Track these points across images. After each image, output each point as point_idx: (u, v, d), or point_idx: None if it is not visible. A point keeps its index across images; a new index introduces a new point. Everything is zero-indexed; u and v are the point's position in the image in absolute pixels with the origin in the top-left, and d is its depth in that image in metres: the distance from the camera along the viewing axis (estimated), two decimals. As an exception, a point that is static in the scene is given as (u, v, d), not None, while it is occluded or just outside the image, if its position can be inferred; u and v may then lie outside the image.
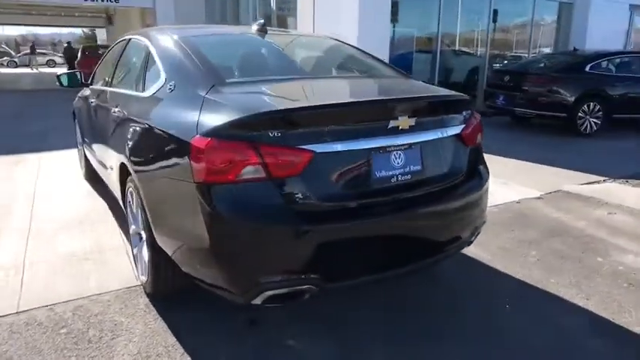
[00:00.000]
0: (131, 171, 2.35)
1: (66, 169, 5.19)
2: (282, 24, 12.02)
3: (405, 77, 2.78)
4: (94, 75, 4.13)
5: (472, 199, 2.25)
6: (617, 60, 7.93)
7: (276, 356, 2.13)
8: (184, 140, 1.89)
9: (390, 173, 2.00)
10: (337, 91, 2.47)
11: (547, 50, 11.56)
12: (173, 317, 2.39)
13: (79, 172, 4.98)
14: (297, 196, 1.82)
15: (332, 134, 1.86)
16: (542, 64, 8.37)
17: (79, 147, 4.93)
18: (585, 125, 7.43)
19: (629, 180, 4.94)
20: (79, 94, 4.72)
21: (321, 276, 1.85)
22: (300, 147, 1.80)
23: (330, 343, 2.21)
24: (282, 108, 1.83)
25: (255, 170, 1.76)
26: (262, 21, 2.90)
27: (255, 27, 2.95)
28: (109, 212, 3.87)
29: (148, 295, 2.57)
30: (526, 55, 11.00)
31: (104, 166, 3.32)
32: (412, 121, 2.00)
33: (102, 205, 4.06)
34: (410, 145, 2.05)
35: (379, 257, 2.01)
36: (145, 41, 2.85)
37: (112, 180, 3.10)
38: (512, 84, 7.82)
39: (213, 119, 1.85)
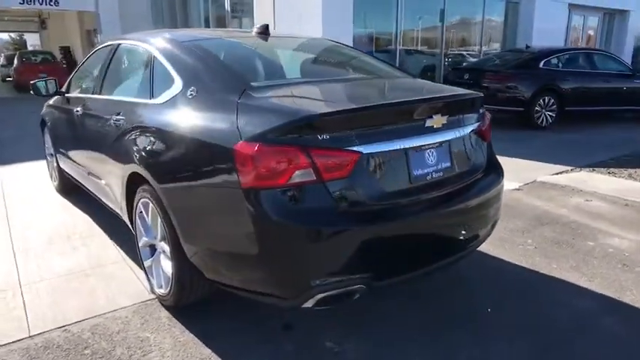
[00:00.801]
0: (151, 181, 2.26)
1: (32, 183, 4.88)
2: (237, 26, 11.88)
3: (413, 77, 2.85)
4: (69, 83, 3.92)
5: (495, 193, 2.35)
6: (567, 56, 8.46)
7: (316, 358, 2.13)
8: (226, 146, 1.84)
9: (425, 171, 2.05)
10: (368, 92, 2.49)
11: (496, 47, 12.13)
12: (199, 328, 2.32)
13: (49, 184, 4.71)
14: (346, 197, 1.82)
15: (375, 135, 1.88)
16: (499, 62, 8.78)
17: (49, 158, 4.67)
18: (542, 119, 7.88)
19: (594, 168, 5.30)
20: (49, 103, 4.46)
21: (371, 275, 1.87)
22: (348, 148, 1.81)
23: (365, 341, 2.23)
24: (331, 110, 1.83)
25: (305, 173, 1.75)
26: (266, 24, 2.87)
27: (256, 30, 2.92)
28: (95, 225, 3.69)
29: (167, 307, 2.49)
30: (478, 53, 11.49)
31: (96, 177, 3.17)
32: (444, 120, 2.07)
33: (84, 218, 3.86)
34: (440, 143, 2.12)
35: (421, 253, 2.05)
36: (145, 46, 2.74)
37: (111, 192, 2.96)
38: (471, 81, 8.14)
39: (258, 124, 1.81)
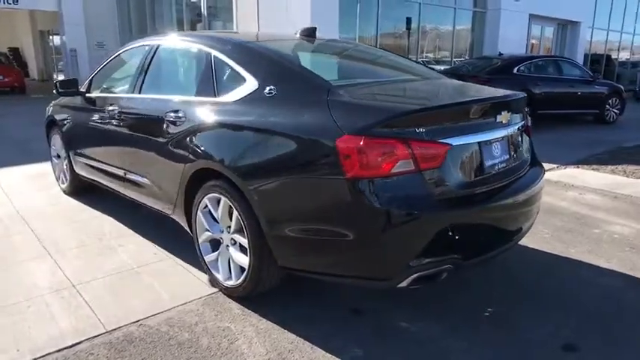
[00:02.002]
0: (230, 175, 2.32)
1: (34, 186, 4.75)
2: (214, 26, 11.83)
3: (450, 78, 3.08)
4: (90, 83, 3.88)
5: (542, 185, 2.59)
6: (537, 63, 9.07)
7: (395, 335, 2.28)
8: (326, 140, 1.97)
9: (493, 162, 2.26)
10: (441, 91, 2.67)
11: (464, 55, 12.75)
12: (275, 316, 2.42)
13: (54, 187, 4.61)
14: (439, 185, 2.00)
15: (459, 129, 2.07)
16: (474, 67, 9.26)
17: (56, 160, 4.57)
18: (516, 121, 8.39)
19: (579, 165, 5.76)
20: (59, 104, 4.37)
21: (459, 256, 2.05)
22: (441, 141, 1.99)
23: (433, 321, 2.41)
24: (427, 106, 2.01)
25: (406, 163, 1.91)
26: (313, 27, 3.01)
27: (301, 32, 3.05)
28: (122, 226, 3.66)
29: (235, 299, 2.56)
30: (449, 59, 12.04)
31: (137, 175, 3.17)
32: (509, 116, 2.29)
33: (107, 219, 3.82)
34: (502, 138, 2.33)
35: (493, 237, 2.25)
36: (201, 47, 2.82)
37: (158, 190, 2.99)
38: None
39: (358, 119, 1.96)
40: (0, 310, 2.49)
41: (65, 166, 4.39)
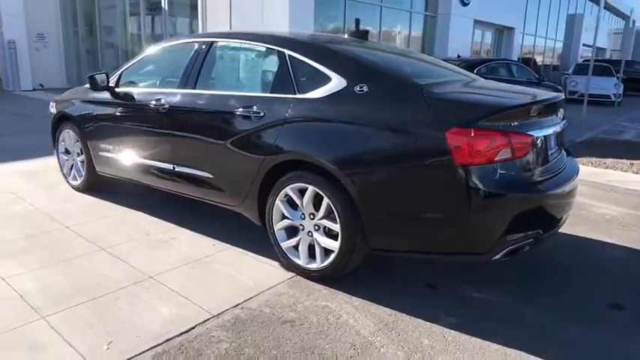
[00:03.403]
0: (326, 166, 2.51)
1: (36, 184, 4.57)
2: (177, 22, 11.58)
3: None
4: (119, 78, 3.84)
5: (578, 179, 3.00)
6: (492, 65, 9.88)
7: (473, 304, 2.60)
8: (434, 132, 2.25)
9: (551, 152, 2.65)
10: (508, 90, 3.01)
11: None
12: (362, 294, 2.63)
13: (60, 184, 4.47)
14: (526, 171, 2.35)
15: (535, 123, 2.43)
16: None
17: (65, 157, 4.45)
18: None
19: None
20: (65, 99, 4.26)
21: (539, 231, 2.41)
22: (528, 133, 2.34)
23: (496, 292, 2.76)
24: (521, 102, 2.35)
25: (505, 152, 2.24)
26: (367, 30, 3.26)
27: (352, 34, 3.29)
28: (161, 220, 3.67)
29: (317, 280, 2.75)
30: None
31: (194, 169, 3.24)
32: (561, 113, 2.70)
33: (140, 214, 3.80)
34: (554, 132, 2.72)
35: (554, 217, 2.63)
36: (271, 46, 2.98)
37: (222, 183, 3.10)
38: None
39: (463, 113, 2.25)
40: (92, 303, 2.51)
41: (79, 163, 4.29)
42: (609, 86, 14.06)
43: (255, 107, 2.87)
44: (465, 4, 13.32)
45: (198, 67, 3.29)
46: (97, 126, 3.97)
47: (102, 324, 2.32)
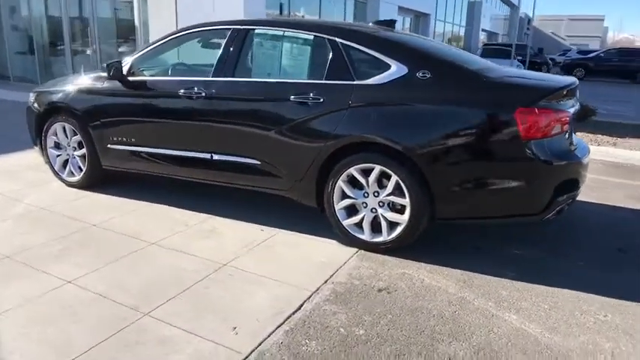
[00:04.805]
0: (398, 146, 2.74)
1: (29, 180, 4.23)
2: (122, 19, 10.69)
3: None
4: (131, 67, 3.69)
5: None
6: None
7: (515, 260, 3.01)
8: (502, 112, 2.59)
9: (573, 130, 3.13)
10: (535, 75, 3.42)
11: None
12: (427, 259, 2.92)
13: (52, 181, 4.21)
14: (568, 142, 2.80)
15: (568, 103, 2.87)
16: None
17: (57, 152, 4.17)
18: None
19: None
20: (74, 89, 3.95)
21: (574, 193, 2.88)
22: (568, 110, 2.78)
23: (531, 248, 3.21)
24: (562, 85, 2.76)
25: (557, 127, 2.66)
26: (395, 19, 3.50)
27: (380, 24, 3.52)
28: (191, 212, 3.62)
29: (382, 252, 3.00)
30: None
31: (242, 156, 3.28)
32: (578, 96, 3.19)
33: (165, 207, 3.72)
34: (575, 111, 3.18)
35: (582, 180, 3.08)
36: (320, 35, 3.11)
37: (276, 168, 3.20)
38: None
39: (525, 95, 2.63)
40: (184, 295, 2.52)
41: (78, 157, 4.06)
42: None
43: (311, 94, 3.00)
44: (390, -10, 14.02)
45: (235, 54, 3.30)
46: (107, 117, 3.78)
47: (210, 312, 2.36)
